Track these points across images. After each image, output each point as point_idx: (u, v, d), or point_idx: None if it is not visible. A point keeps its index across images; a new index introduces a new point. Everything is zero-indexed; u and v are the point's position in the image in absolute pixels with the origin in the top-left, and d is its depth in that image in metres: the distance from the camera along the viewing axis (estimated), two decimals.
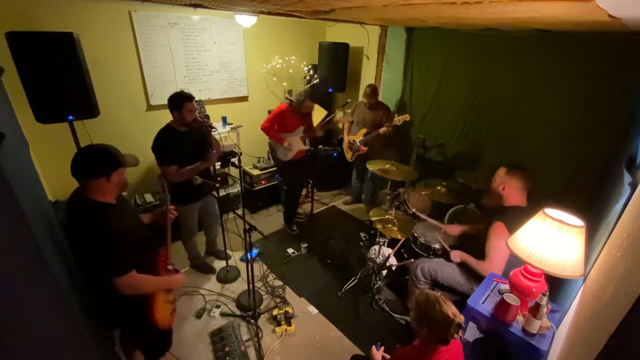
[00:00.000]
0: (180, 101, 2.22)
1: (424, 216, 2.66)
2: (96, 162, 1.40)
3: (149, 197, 3.10)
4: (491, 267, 1.90)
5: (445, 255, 2.29)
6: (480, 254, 1.98)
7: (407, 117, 3.14)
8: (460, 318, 1.22)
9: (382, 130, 3.26)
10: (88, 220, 1.36)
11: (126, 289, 1.43)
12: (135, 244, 1.49)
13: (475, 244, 2.09)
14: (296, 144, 3.17)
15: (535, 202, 1.84)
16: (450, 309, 1.23)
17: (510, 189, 1.95)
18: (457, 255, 2.16)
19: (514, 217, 1.77)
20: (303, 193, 4.30)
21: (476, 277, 2.01)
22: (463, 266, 2.11)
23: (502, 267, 1.90)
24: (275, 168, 3.67)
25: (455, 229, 2.43)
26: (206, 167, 2.41)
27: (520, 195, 1.95)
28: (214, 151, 2.43)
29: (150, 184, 3.29)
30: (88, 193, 1.39)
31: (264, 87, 4.14)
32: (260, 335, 2.29)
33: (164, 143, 2.25)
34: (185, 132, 2.30)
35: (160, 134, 2.27)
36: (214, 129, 2.42)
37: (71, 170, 1.37)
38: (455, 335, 1.22)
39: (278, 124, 3.05)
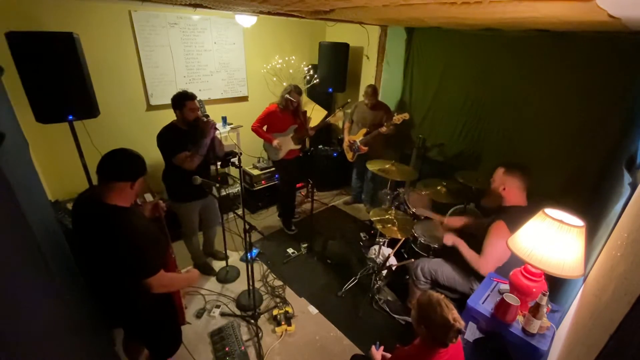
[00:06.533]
0: (181, 100, 2.26)
1: (427, 213, 2.65)
2: (129, 165, 1.39)
3: (148, 197, 3.10)
4: (484, 262, 1.91)
5: (443, 250, 2.28)
6: (478, 251, 1.98)
7: (406, 115, 3.14)
8: (461, 324, 1.21)
9: (382, 129, 3.26)
10: (112, 224, 1.32)
11: (159, 288, 1.44)
12: (157, 243, 1.50)
13: (475, 242, 2.09)
14: (286, 144, 3.17)
15: (535, 202, 1.84)
16: (452, 314, 1.22)
17: (511, 188, 1.95)
18: (449, 238, 2.15)
19: (515, 217, 1.77)
20: (303, 193, 4.31)
21: (476, 277, 2.01)
22: (462, 266, 2.11)
23: (495, 265, 1.90)
24: (275, 168, 3.68)
25: (456, 221, 2.43)
26: (210, 137, 2.34)
27: (520, 194, 1.95)
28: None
29: (150, 184, 3.28)
30: (106, 196, 1.34)
31: (264, 87, 4.14)
32: (260, 335, 2.29)
33: (168, 138, 2.29)
34: (188, 130, 2.33)
35: (162, 131, 2.32)
36: (216, 129, 2.43)
37: (101, 169, 1.34)
38: (454, 340, 1.21)
39: (268, 124, 3.08)
